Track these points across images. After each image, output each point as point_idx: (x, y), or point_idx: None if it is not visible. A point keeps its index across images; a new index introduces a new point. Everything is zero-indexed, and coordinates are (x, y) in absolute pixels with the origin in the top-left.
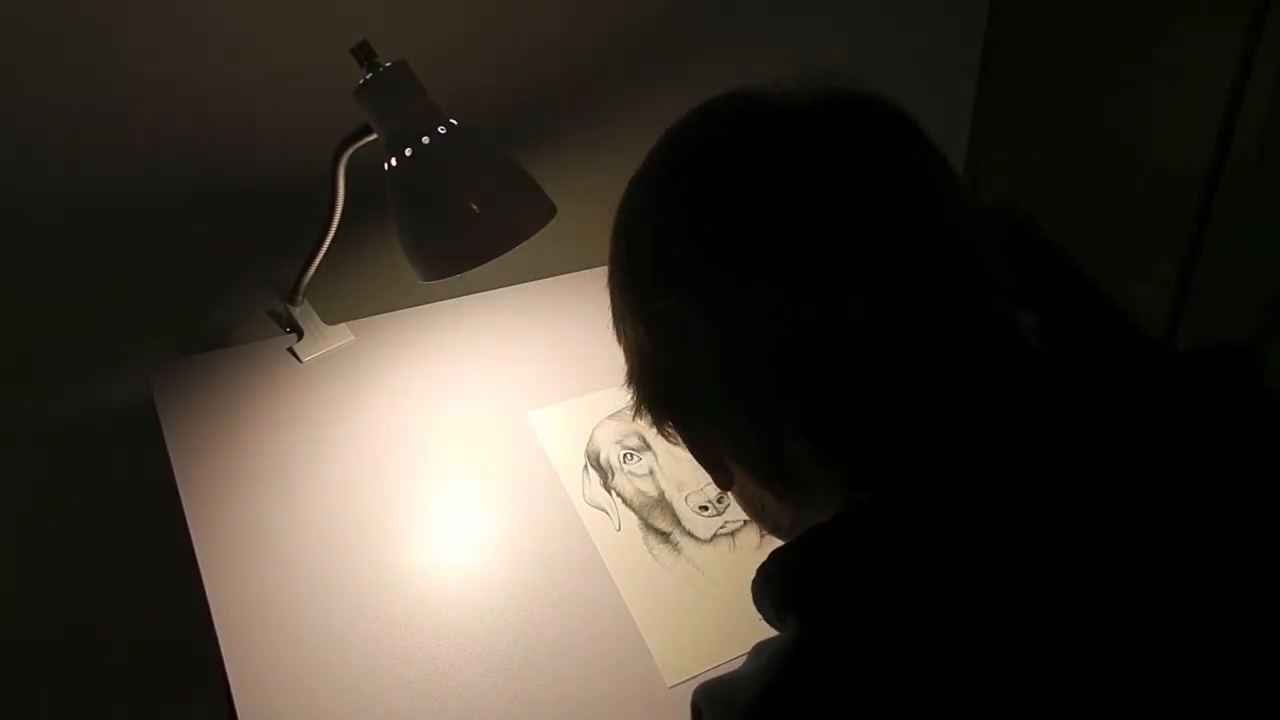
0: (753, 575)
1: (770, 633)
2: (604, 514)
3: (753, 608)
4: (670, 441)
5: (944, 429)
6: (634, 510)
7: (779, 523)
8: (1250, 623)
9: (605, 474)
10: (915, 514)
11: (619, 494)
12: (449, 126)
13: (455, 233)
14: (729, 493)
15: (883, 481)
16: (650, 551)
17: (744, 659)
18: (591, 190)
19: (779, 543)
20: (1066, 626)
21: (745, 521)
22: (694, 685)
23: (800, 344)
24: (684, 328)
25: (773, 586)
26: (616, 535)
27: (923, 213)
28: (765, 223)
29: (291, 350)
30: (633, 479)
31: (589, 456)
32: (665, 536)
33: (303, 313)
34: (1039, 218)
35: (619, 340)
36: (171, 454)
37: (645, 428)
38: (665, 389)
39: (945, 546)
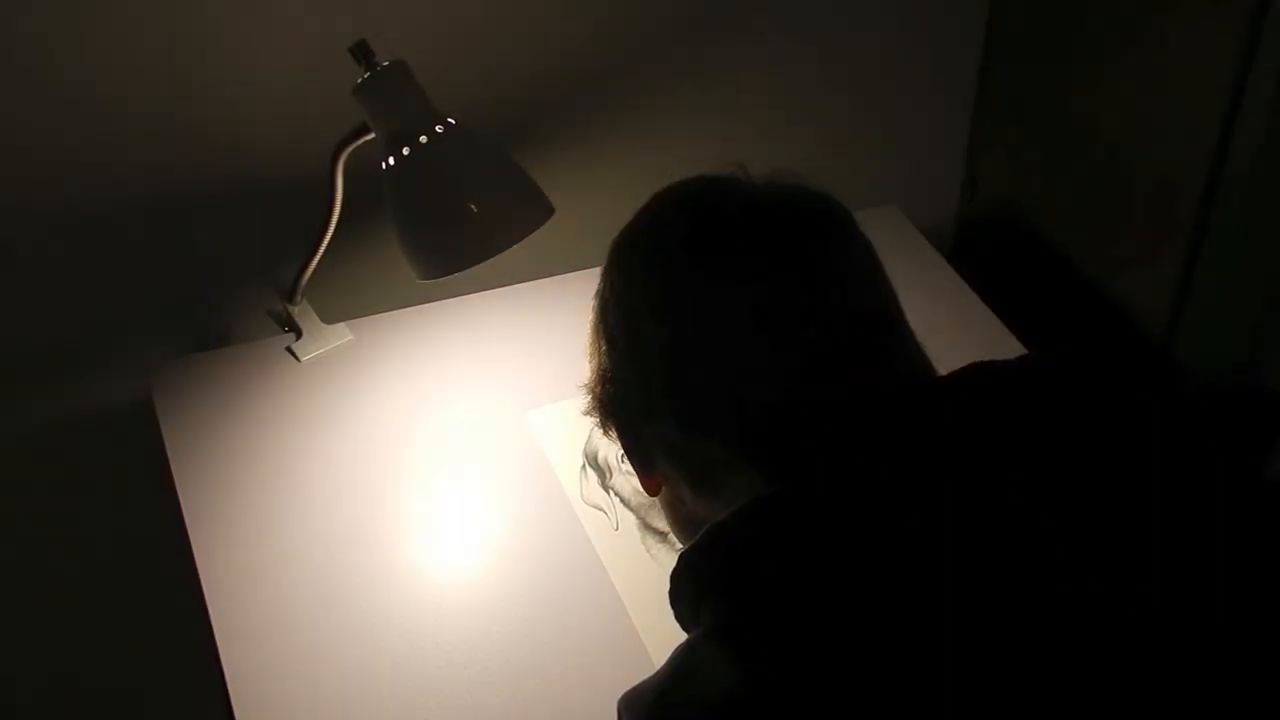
0: None
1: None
2: (602, 513)
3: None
4: (610, 439)
5: (837, 439)
6: (632, 510)
7: (692, 517)
8: (1261, 627)
9: (603, 473)
10: (803, 501)
11: (617, 493)
12: (447, 126)
13: (453, 232)
14: (655, 498)
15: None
16: (648, 551)
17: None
18: (589, 190)
19: None
20: (1086, 627)
21: None
22: None
23: (743, 388)
24: (643, 349)
25: (684, 581)
26: (614, 535)
27: (851, 277)
28: (720, 286)
29: (290, 350)
30: (631, 479)
31: (587, 456)
32: (663, 536)
33: (301, 312)
34: (1039, 218)
35: (588, 354)
36: (170, 453)
37: None
38: (617, 396)
39: (833, 528)
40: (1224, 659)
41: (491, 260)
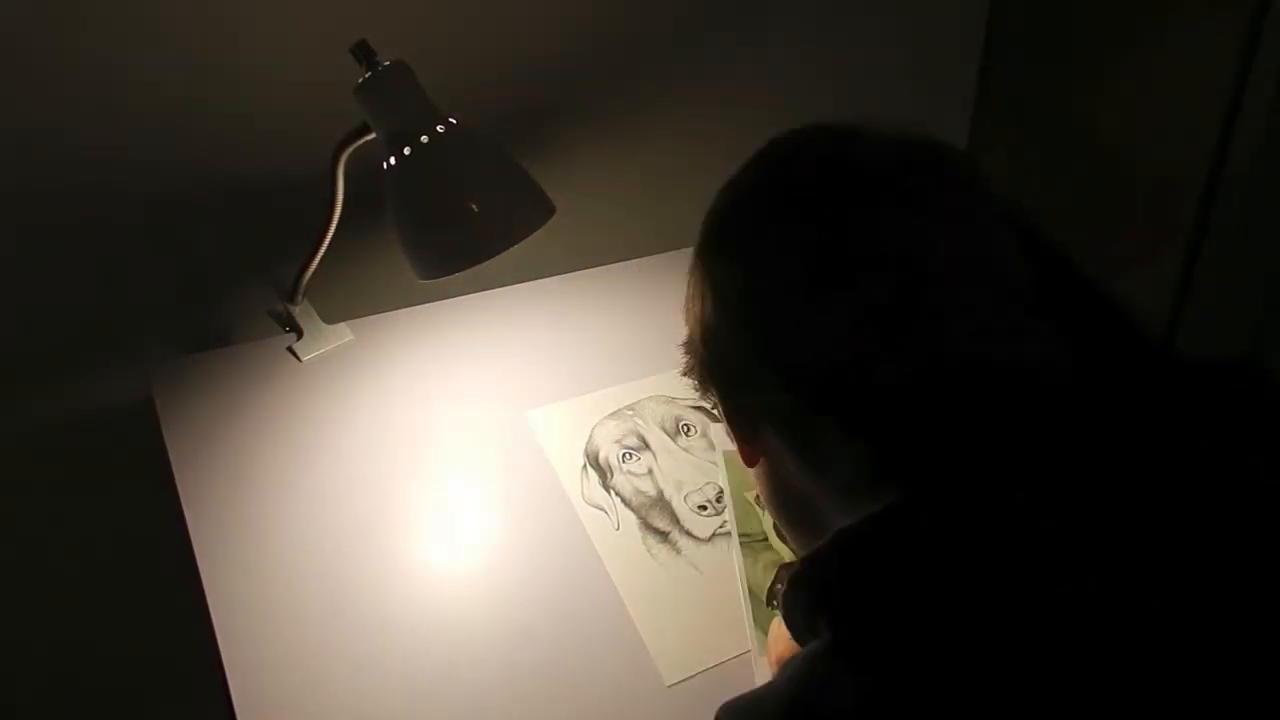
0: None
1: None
2: (603, 513)
3: (751, 607)
4: (710, 406)
5: (972, 431)
6: (633, 510)
7: (793, 491)
8: (1261, 627)
9: (604, 473)
10: (946, 516)
11: (618, 493)
12: (448, 126)
13: (454, 232)
14: (752, 470)
15: (909, 476)
16: (649, 551)
17: (750, 663)
18: (590, 190)
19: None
20: (1086, 627)
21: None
22: (692, 684)
23: (858, 369)
24: (756, 307)
25: (804, 590)
26: (615, 535)
27: (979, 254)
28: (847, 261)
29: (291, 350)
30: (631, 478)
31: (588, 456)
32: (664, 536)
33: (302, 312)
34: (1039, 218)
35: (685, 311)
36: (171, 453)
37: (644, 427)
38: (719, 356)
39: (974, 549)
40: (1224, 658)
41: (492, 260)
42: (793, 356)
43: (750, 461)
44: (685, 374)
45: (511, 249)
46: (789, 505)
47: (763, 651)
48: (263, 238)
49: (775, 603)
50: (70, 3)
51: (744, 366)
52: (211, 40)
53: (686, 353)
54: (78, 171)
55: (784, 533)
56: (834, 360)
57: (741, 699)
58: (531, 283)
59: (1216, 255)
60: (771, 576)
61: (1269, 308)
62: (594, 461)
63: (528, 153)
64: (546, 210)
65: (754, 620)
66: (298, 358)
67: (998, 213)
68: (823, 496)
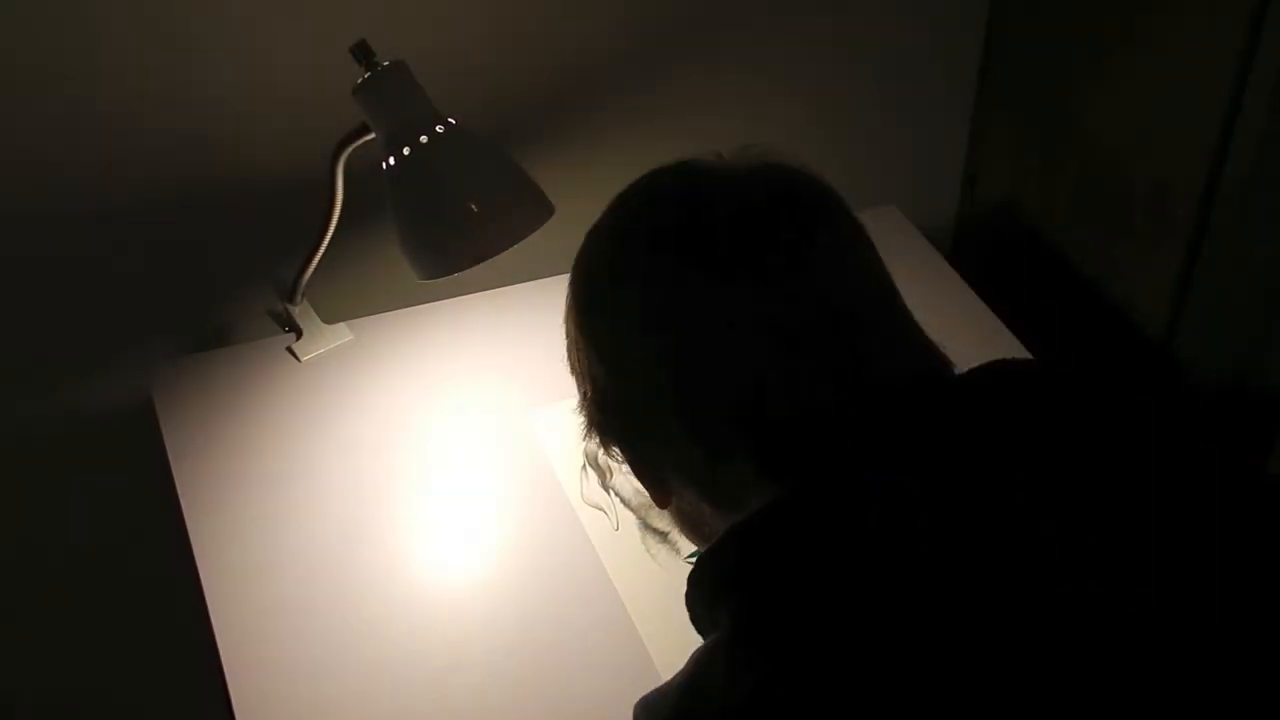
0: None
1: None
2: (602, 513)
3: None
4: (614, 461)
5: (850, 445)
6: (632, 510)
7: (714, 532)
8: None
9: (603, 473)
10: (821, 502)
11: (617, 493)
12: (447, 126)
13: (453, 232)
14: (665, 510)
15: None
16: (648, 551)
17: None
18: (590, 189)
19: None
20: (953, 591)
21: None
22: None
23: (749, 391)
24: (639, 364)
25: (702, 585)
26: (614, 534)
27: (853, 272)
28: (716, 280)
29: (290, 350)
30: (631, 478)
31: (587, 456)
32: (663, 536)
33: (302, 312)
34: (1038, 218)
35: (571, 369)
36: (170, 453)
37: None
38: (617, 417)
39: (851, 528)
40: (1224, 658)
41: (491, 260)
42: (690, 404)
43: (663, 505)
44: (584, 437)
45: (511, 249)
46: (706, 537)
47: None
48: (262, 238)
49: None
50: (71, 3)
51: (641, 420)
52: (212, 40)
53: (581, 412)
54: (77, 171)
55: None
56: (733, 403)
57: (652, 692)
58: (531, 283)
59: (1216, 255)
60: None
61: (1269, 308)
62: (593, 461)
63: (528, 153)
64: (546, 210)
65: None
66: (297, 358)
67: (862, 238)
68: (731, 519)
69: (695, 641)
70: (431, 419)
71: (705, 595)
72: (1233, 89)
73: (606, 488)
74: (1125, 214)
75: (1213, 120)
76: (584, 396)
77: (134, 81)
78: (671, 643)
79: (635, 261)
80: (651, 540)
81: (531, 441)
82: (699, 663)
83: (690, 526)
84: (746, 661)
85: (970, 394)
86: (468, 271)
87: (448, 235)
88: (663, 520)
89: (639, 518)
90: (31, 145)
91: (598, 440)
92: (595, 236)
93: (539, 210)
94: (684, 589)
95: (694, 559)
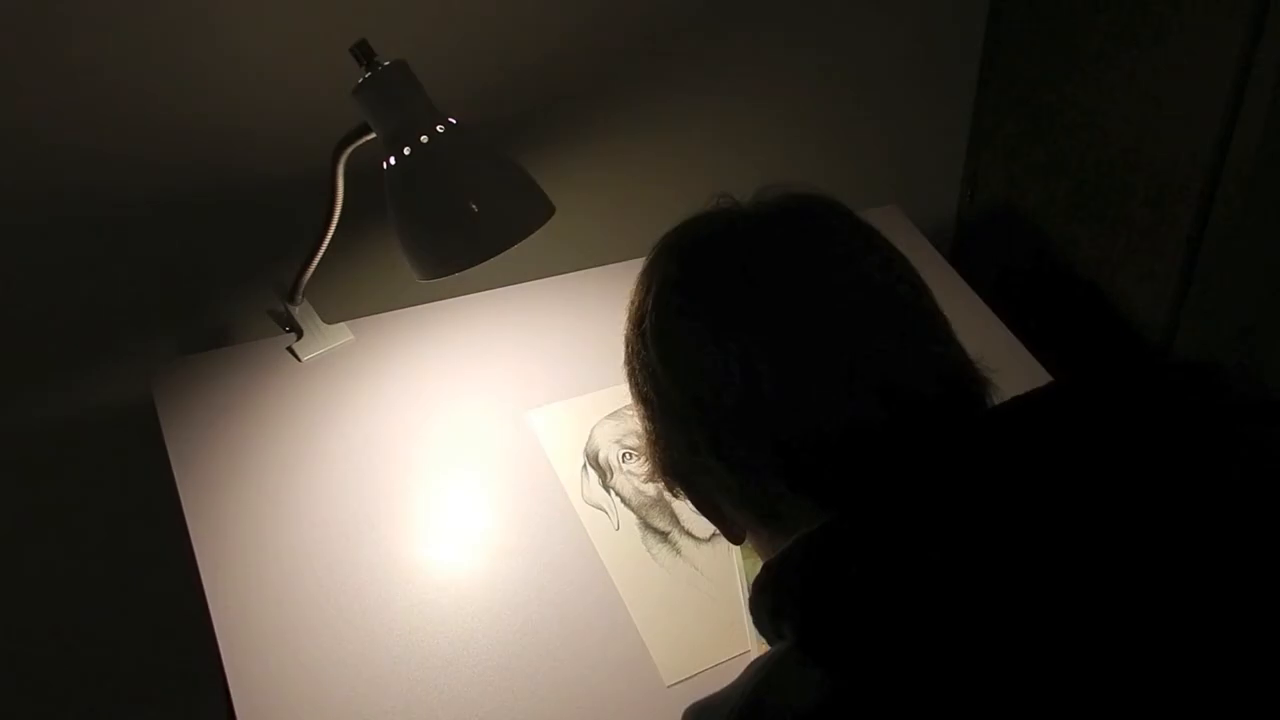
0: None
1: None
2: (603, 513)
3: (751, 607)
4: (682, 501)
5: (891, 465)
6: (632, 510)
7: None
8: (1203, 616)
9: (604, 473)
10: (889, 519)
11: (618, 493)
12: (448, 125)
13: (454, 232)
14: (740, 545)
15: (845, 504)
16: (649, 551)
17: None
18: (590, 190)
19: None
20: (1019, 615)
21: None
22: (692, 684)
23: (780, 428)
24: (677, 410)
25: (767, 593)
26: (615, 534)
27: (886, 297)
28: (729, 335)
29: (291, 350)
30: (631, 478)
31: (588, 456)
32: (664, 536)
33: (302, 312)
34: (1038, 217)
35: (637, 417)
36: (171, 453)
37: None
38: (669, 459)
39: (917, 541)
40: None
41: (491, 260)
42: (721, 442)
43: (737, 540)
44: (648, 479)
45: (511, 249)
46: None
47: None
48: (263, 238)
49: None
50: (71, 2)
51: (689, 461)
52: (212, 40)
53: (647, 461)
54: (78, 172)
55: None
56: (759, 437)
57: (707, 699)
58: (531, 283)
59: (1216, 255)
60: None
61: (1269, 308)
62: (594, 461)
63: (528, 153)
64: (546, 210)
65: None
66: (297, 358)
67: (888, 259)
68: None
69: (696, 642)
70: (431, 419)
71: (771, 603)
72: (1233, 89)
73: (606, 488)
74: (1125, 214)
75: (1213, 120)
76: (643, 445)
77: (134, 82)
78: (671, 642)
79: (667, 316)
80: (652, 540)
81: (531, 441)
82: (765, 670)
83: (762, 548)
84: (812, 672)
85: (1002, 417)
86: (468, 271)
87: (448, 235)
88: (663, 520)
89: (639, 518)
90: (31, 146)
91: (664, 485)
92: (639, 288)
93: (539, 210)
94: (684, 589)
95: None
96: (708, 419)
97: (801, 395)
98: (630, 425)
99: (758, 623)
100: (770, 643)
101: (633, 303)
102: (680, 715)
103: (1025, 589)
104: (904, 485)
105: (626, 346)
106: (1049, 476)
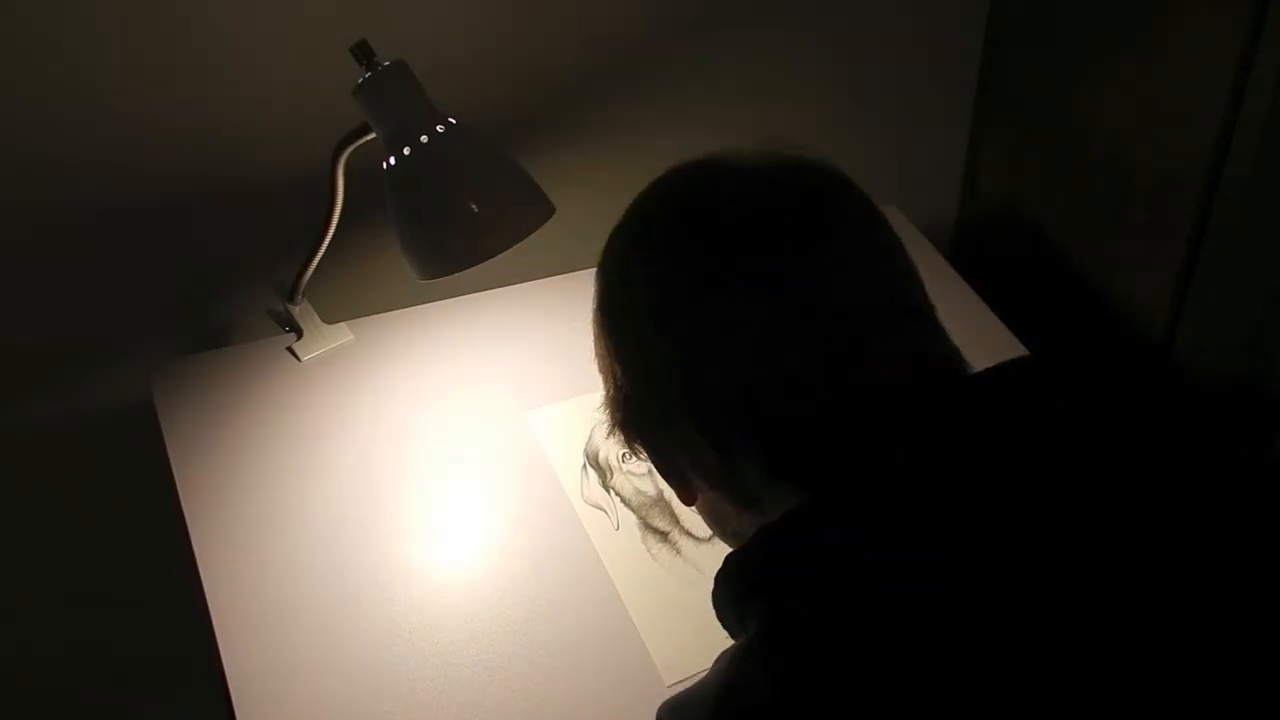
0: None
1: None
2: (602, 513)
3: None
4: (640, 459)
5: (866, 446)
6: (632, 509)
7: (740, 531)
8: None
9: (604, 473)
10: (851, 506)
11: (618, 493)
12: (448, 125)
13: (453, 232)
14: (691, 506)
15: (820, 488)
16: (649, 551)
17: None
18: (590, 189)
19: None
20: (979, 596)
21: None
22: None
23: (754, 391)
24: (652, 365)
25: (730, 584)
26: (615, 534)
27: (857, 264)
28: (720, 282)
29: (291, 349)
30: (631, 478)
31: (588, 456)
32: (664, 536)
33: (302, 312)
34: (1038, 218)
35: (598, 366)
36: (171, 453)
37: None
38: (636, 415)
39: (880, 528)
40: (1225, 657)
41: (491, 260)
42: (701, 406)
43: (688, 501)
44: (609, 434)
45: (511, 249)
46: (732, 533)
47: None
48: (262, 238)
49: None
50: (72, 3)
51: (658, 420)
52: (211, 40)
53: (606, 409)
54: (78, 171)
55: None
56: (740, 404)
57: (678, 696)
58: (531, 283)
59: (1216, 255)
60: None
61: (1269, 308)
62: (594, 461)
63: (528, 153)
64: (546, 210)
65: None
66: (297, 358)
67: (879, 234)
68: (756, 520)
69: (695, 642)
70: (432, 419)
71: (734, 594)
72: (1233, 89)
73: (606, 488)
74: (1125, 214)
75: (1213, 120)
76: (607, 394)
77: (134, 82)
78: (672, 643)
79: (643, 263)
80: (652, 540)
81: (531, 441)
82: (733, 662)
83: (716, 522)
84: (776, 661)
85: (980, 392)
86: (468, 271)
87: (448, 235)
88: (663, 520)
89: (639, 518)
90: (32, 145)
91: (621, 438)
92: (613, 236)
93: (539, 210)
94: (684, 589)
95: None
96: (688, 383)
97: (792, 368)
98: None
99: (720, 616)
100: (733, 635)
101: (616, 249)
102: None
103: (999, 576)
104: (874, 469)
105: (599, 287)
106: (1025, 461)
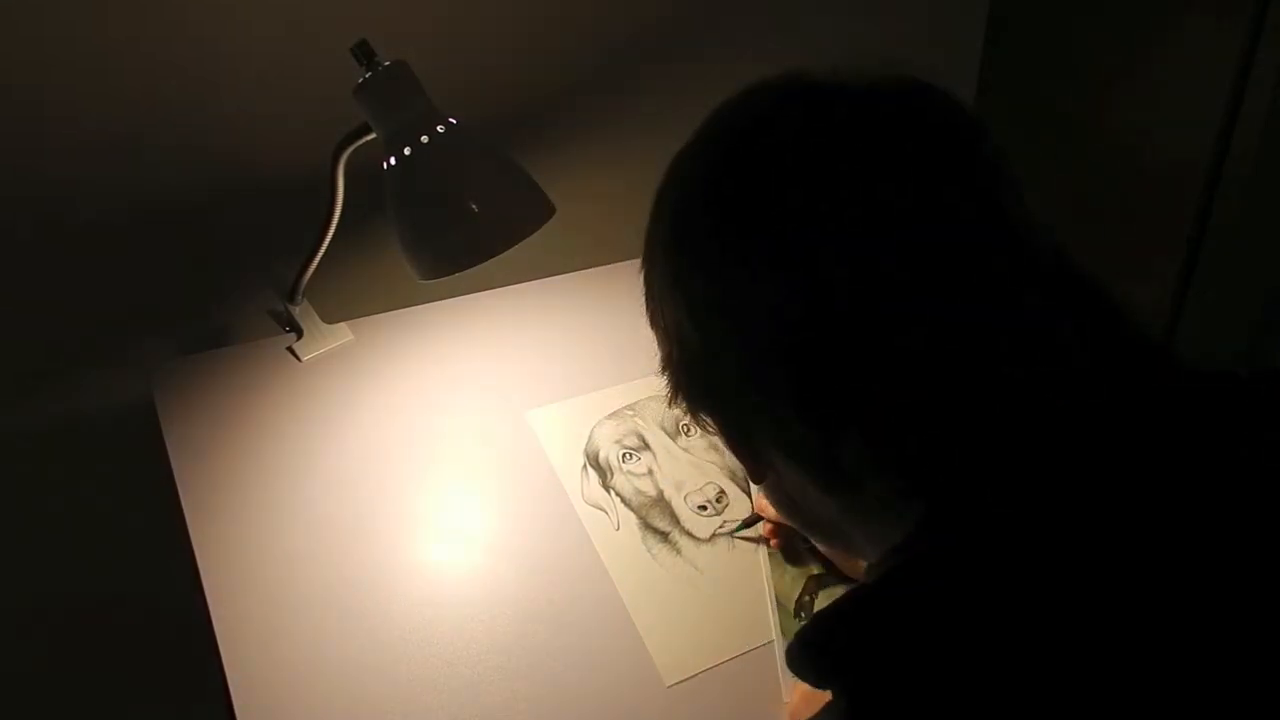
0: (772, 601)
1: None
2: (603, 513)
3: (751, 608)
4: (705, 431)
5: (1006, 456)
6: (633, 510)
7: (818, 516)
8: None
9: (604, 473)
10: (976, 580)
11: (618, 493)
12: (448, 125)
13: (454, 232)
14: (760, 486)
15: (932, 495)
16: (649, 551)
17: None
18: (590, 190)
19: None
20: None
21: (744, 521)
22: (692, 684)
23: (881, 376)
24: (723, 311)
25: (813, 656)
26: (615, 535)
27: (969, 206)
28: (807, 218)
29: (291, 349)
30: (631, 478)
31: (588, 456)
32: (664, 536)
33: (302, 312)
34: (1039, 218)
35: (652, 324)
36: (171, 453)
37: (644, 427)
38: (702, 375)
39: (1033, 591)
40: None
41: (491, 260)
42: (800, 380)
43: (758, 479)
44: (670, 403)
45: (511, 249)
46: (803, 514)
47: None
48: (263, 237)
49: (803, 614)
50: (72, 3)
51: (736, 387)
52: (211, 40)
53: (665, 374)
54: (78, 172)
55: (803, 534)
56: (850, 381)
57: None
58: (531, 283)
59: (1216, 255)
60: (800, 587)
61: (1269, 308)
62: (594, 461)
63: (528, 153)
64: (546, 210)
65: (782, 631)
66: (298, 358)
67: (997, 174)
68: (838, 511)
69: (696, 643)
70: (431, 419)
71: (816, 663)
72: (1233, 89)
73: (607, 487)
74: (1126, 213)
75: (1213, 121)
76: (667, 357)
77: (134, 83)
78: (672, 643)
79: (735, 204)
80: (652, 540)
81: (531, 441)
82: None
83: (788, 507)
84: None
85: (1192, 415)
86: (468, 271)
87: (448, 235)
88: (663, 520)
89: (639, 518)
90: (32, 146)
91: (684, 406)
92: (688, 166)
93: (539, 210)
94: (684, 589)
95: (742, 529)
96: (789, 346)
97: (918, 343)
98: (631, 425)
99: (798, 675)
100: (813, 684)
101: (696, 172)
102: (680, 713)
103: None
104: (1050, 494)
105: (682, 233)
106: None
